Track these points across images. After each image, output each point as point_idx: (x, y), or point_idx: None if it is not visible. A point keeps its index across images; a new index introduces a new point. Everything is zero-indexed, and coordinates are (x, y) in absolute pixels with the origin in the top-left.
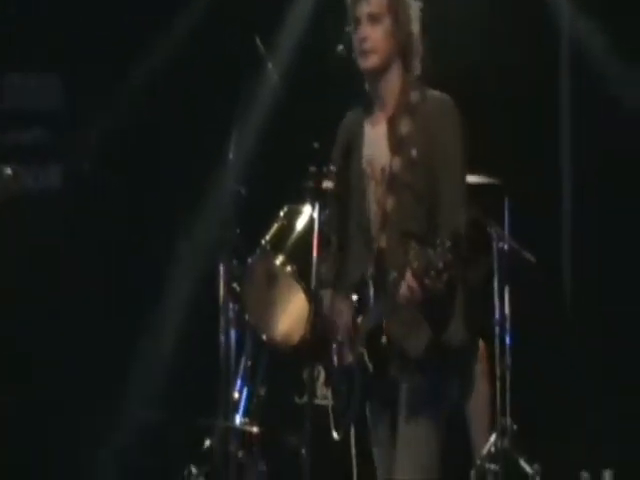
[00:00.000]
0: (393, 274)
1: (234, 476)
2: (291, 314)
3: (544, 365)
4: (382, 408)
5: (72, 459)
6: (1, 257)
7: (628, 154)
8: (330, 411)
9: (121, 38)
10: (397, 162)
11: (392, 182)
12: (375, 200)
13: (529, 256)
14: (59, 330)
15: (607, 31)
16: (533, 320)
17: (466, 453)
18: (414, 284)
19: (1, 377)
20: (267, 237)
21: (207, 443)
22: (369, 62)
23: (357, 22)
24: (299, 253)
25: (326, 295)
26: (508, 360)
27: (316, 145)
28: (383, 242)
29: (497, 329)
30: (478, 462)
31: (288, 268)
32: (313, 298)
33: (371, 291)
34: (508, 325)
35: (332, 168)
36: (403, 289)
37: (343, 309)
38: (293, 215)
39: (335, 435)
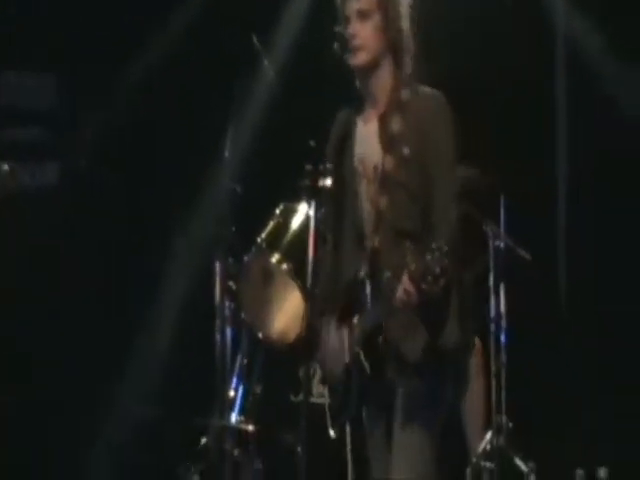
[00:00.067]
0: (387, 274)
1: (230, 474)
2: (287, 312)
3: (539, 363)
4: (378, 413)
5: (71, 458)
6: None
7: (623, 153)
8: (327, 409)
9: (117, 36)
10: (389, 160)
11: (385, 180)
12: (368, 199)
13: (525, 254)
14: (58, 329)
15: (603, 31)
16: (528, 318)
17: (462, 451)
18: (411, 288)
19: (1, 377)
20: (263, 235)
21: (203, 441)
22: (359, 59)
23: (347, 20)
24: (295, 251)
25: (330, 324)
26: (503, 358)
27: (312, 143)
28: (377, 241)
29: (492, 327)
30: (474, 460)
31: (284, 266)
32: (309, 296)
33: (367, 290)
34: (503, 323)
35: (328, 166)
36: (400, 293)
37: (344, 338)
38: (289, 213)
39: (331, 433)
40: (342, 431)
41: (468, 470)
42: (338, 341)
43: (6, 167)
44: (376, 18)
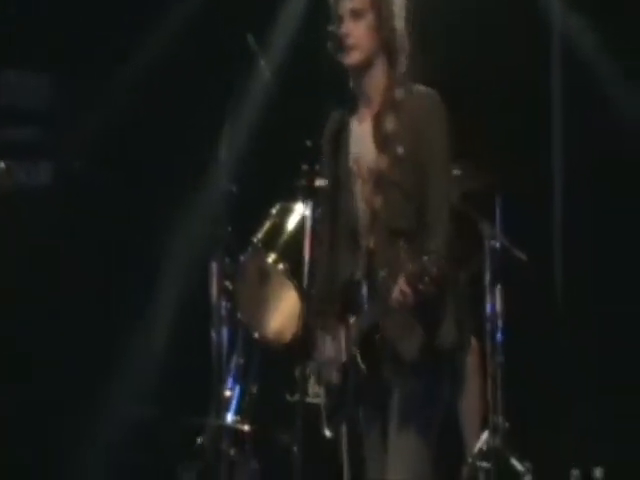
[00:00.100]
0: (382, 273)
1: (226, 474)
2: (283, 312)
3: (535, 363)
4: (374, 413)
5: (67, 458)
6: None
7: (620, 152)
8: (322, 409)
9: (112, 36)
10: (383, 160)
11: (379, 180)
12: (363, 198)
13: (520, 254)
14: (58, 329)
15: (598, 29)
16: (524, 318)
17: (458, 451)
18: (407, 289)
19: (1, 377)
20: (259, 235)
21: (199, 441)
22: (352, 58)
23: (340, 19)
24: (291, 251)
25: (326, 324)
26: (500, 358)
27: (308, 143)
28: (372, 241)
29: (488, 327)
30: (470, 460)
31: (280, 266)
32: (305, 296)
33: (363, 290)
34: (500, 323)
35: (323, 166)
36: (396, 293)
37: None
38: (285, 213)
39: (327, 433)
40: (338, 431)
41: (464, 470)
42: (334, 341)
43: (2, 164)
44: (369, 17)
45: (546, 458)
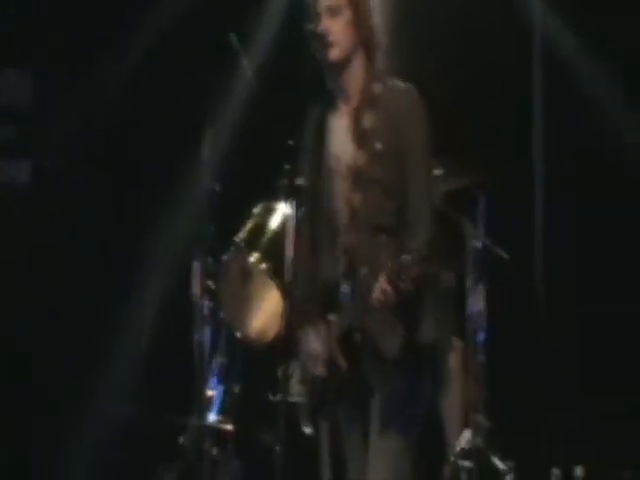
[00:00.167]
0: (364, 270)
1: (208, 473)
2: (265, 311)
3: (516, 362)
4: (355, 412)
5: (54, 457)
6: None
7: (600, 152)
8: (303, 406)
9: (93, 35)
10: (362, 156)
11: (358, 177)
12: (341, 196)
13: (502, 253)
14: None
15: (578, 30)
16: (506, 317)
17: (440, 450)
18: (388, 288)
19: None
20: (242, 234)
21: (181, 440)
22: (331, 55)
23: (318, 17)
24: (274, 250)
25: (309, 323)
26: (482, 357)
27: (291, 142)
28: (352, 238)
29: (471, 326)
30: (452, 459)
31: (263, 265)
32: (287, 295)
33: (343, 289)
34: (482, 322)
35: (304, 163)
36: (377, 293)
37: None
38: (268, 212)
39: (307, 430)
40: (318, 429)
41: (446, 469)
42: (318, 336)
43: None
44: (347, 14)
45: (527, 457)
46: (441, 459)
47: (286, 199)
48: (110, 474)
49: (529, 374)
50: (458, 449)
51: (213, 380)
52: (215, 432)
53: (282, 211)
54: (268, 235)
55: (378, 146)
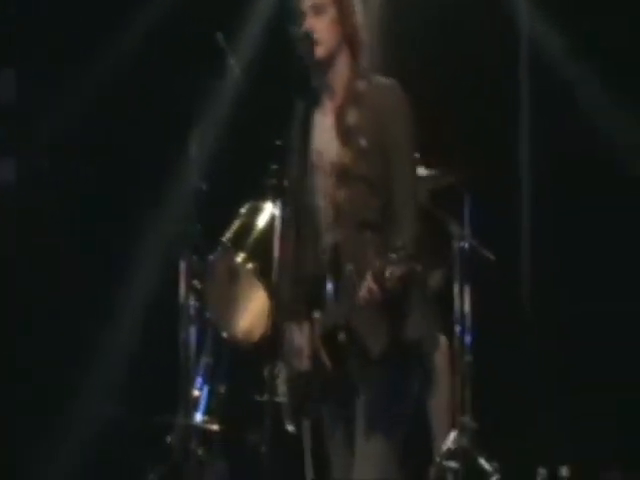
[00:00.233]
0: (349, 267)
1: (194, 473)
2: (252, 311)
3: (502, 364)
4: (339, 411)
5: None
6: None
7: (586, 152)
8: (286, 404)
9: (80, 34)
10: (346, 153)
11: (342, 174)
12: (325, 192)
13: (488, 254)
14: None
15: (565, 32)
16: (492, 317)
17: (427, 450)
18: (374, 286)
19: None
20: (228, 234)
21: (167, 440)
22: (317, 53)
23: (302, 16)
24: (260, 250)
25: (294, 322)
26: (468, 357)
27: (278, 142)
28: (337, 234)
29: (457, 327)
30: (438, 460)
31: (249, 265)
32: (274, 295)
33: (328, 287)
34: (468, 323)
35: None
36: (363, 291)
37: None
38: (255, 212)
39: (289, 428)
40: (300, 429)
41: (432, 470)
42: (300, 336)
43: None
44: (331, 11)
45: (513, 458)
46: (427, 460)
47: (273, 199)
48: (96, 473)
49: (515, 375)
50: (444, 449)
51: (199, 380)
52: (201, 432)
53: (269, 211)
54: (255, 235)
55: (363, 143)
